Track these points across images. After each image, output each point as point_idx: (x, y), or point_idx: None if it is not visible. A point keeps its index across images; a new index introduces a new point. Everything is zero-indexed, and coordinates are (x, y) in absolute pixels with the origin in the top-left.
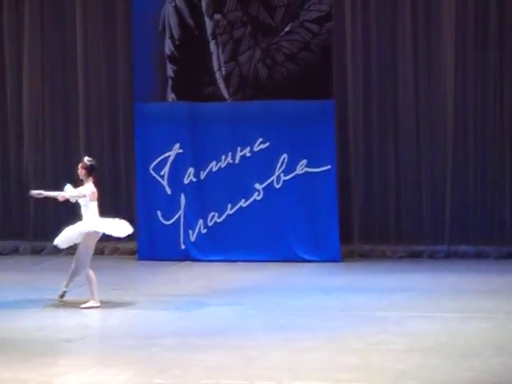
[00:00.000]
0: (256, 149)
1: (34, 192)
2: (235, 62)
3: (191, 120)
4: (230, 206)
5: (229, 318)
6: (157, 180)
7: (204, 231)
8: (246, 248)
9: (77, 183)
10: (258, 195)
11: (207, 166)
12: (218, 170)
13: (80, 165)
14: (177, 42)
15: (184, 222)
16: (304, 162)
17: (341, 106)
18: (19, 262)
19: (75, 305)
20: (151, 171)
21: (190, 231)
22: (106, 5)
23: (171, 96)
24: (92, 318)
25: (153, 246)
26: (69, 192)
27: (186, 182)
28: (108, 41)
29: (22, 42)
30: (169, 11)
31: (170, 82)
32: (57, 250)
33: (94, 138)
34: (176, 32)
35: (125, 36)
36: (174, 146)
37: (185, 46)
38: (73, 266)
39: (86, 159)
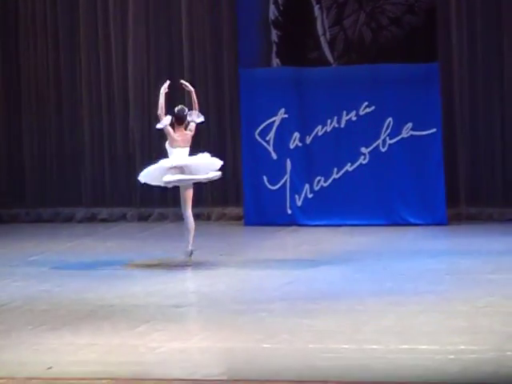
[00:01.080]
0: (361, 112)
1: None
2: (340, 26)
3: (296, 85)
4: (335, 170)
5: (336, 283)
6: (262, 145)
7: (310, 196)
8: (353, 212)
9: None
10: (364, 159)
11: (313, 131)
12: (323, 134)
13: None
14: (281, 7)
15: (290, 187)
16: (409, 125)
17: (446, 69)
18: (126, 229)
19: (181, 272)
20: (257, 136)
21: (297, 196)
22: None
23: (276, 61)
24: (200, 283)
25: (259, 211)
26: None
27: (291, 146)
28: (212, 6)
29: (127, 14)
30: None
31: (274, 48)
32: (163, 217)
33: (200, 105)
34: None
35: (229, 1)
36: (279, 111)
37: (289, 10)
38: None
39: (176, 109)
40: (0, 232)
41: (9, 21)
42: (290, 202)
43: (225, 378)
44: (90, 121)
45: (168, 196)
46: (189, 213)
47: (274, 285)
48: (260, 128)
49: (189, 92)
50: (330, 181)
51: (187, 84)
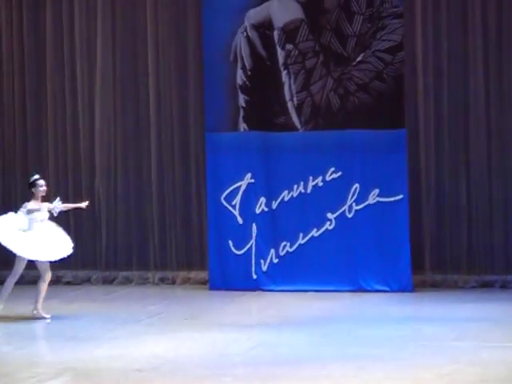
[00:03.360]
0: (328, 178)
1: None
2: (307, 91)
3: (263, 150)
4: (301, 235)
5: (300, 348)
6: (228, 209)
7: (276, 261)
8: (318, 278)
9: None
10: (330, 225)
11: (279, 196)
12: (289, 199)
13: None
14: (249, 72)
15: (256, 252)
16: (376, 191)
17: (412, 135)
18: (91, 292)
19: (146, 335)
20: (223, 201)
21: (262, 261)
22: (178, 35)
23: (243, 126)
24: (164, 347)
25: (224, 275)
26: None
27: (257, 211)
28: (179, 71)
29: (95, 66)
30: (241, 41)
31: (241, 112)
32: (128, 281)
33: (166, 168)
34: (248, 62)
35: (196, 66)
36: (245, 175)
37: (257, 76)
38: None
39: (36, 177)
40: None
41: None
42: (255, 267)
43: None
44: (56, 180)
45: (133, 260)
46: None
47: (238, 350)
48: (226, 192)
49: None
50: (295, 246)
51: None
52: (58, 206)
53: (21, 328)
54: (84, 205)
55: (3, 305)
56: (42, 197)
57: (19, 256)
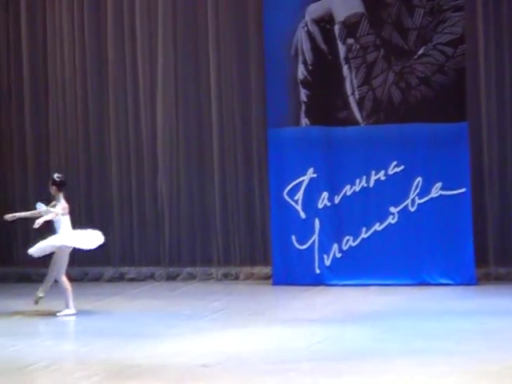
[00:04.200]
0: (390, 172)
1: (8, 216)
2: (368, 85)
3: (325, 144)
4: (364, 229)
5: (364, 342)
6: (291, 205)
7: (339, 255)
8: (381, 272)
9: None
10: (393, 218)
11: (341, 190)
12: (352, 193)
13: (51, 182)
14: (310, 67)
15: (319, 247)
16: (439, 184)
17: (475, 128)
18: (154, 288)
19: (210, 331)
20: (285, 196)
21: (325, 255)
22: (239, 31)
23: (305, 121)
24: (228, 343)
25: (288, 270)
26: (45, 216)
27: (320, 206)
28: (241, 66)
29: (156, 65)
30: (301, 36)
31: (303, 107)
32: (192, 277)
33: (228, 164)
34: (309, 57)
35: (258, 61)
36: (307, 170)
37: (318, 70)
38: (48, 273)
39: (56, 176)
40: (30, 291)
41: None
42: (318, 262)
43: None
44: (119, 179)
45: (196, 256)
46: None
47: (302, 345)
48: (289, 187)
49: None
50: (358, 240)
51: (14, 214)
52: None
53: (86, 326)
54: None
55: (43, 294)
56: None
57: (60, 247)
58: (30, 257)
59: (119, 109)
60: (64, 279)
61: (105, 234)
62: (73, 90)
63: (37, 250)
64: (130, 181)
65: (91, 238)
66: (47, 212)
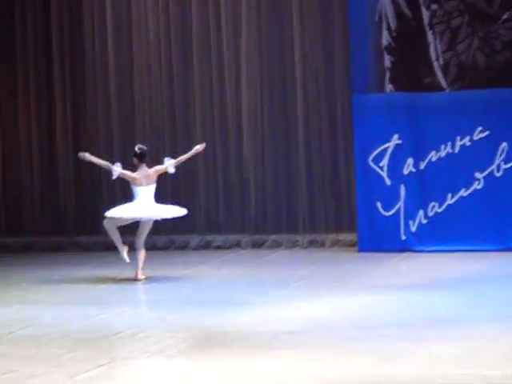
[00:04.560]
0: (476, 137)
1: (82, 154)
2: (453, 51)
3: (409, 110)
4: (450, 195)
5: (451, 308)
6: (376, 171)
7: (424, 221)
8: (467, 238)
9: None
10: (479, 184)
11: (427, 156)
12: (437, 159)
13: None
14: (394, 33)
15: (404, 213)
16: None
17: None
18: (240, 256)
19: (296, 298)
20: (370, 162)
21: (411, 222)
22: None
23: (389, 87)
24: (315, 309)
25: (373, 237)
26: (119, 170)
27: (405, 172)
28: (325, 33)
29: (240, 38)
30: (385, 2)
31: (387, 73)
32: (277, 244)
33: (313, 131)
34: (393, 23)
35: (342, 27)
36: (392, 136)
37: (402, 36)
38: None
39: (137, 147)
40: (116, 260)
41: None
42: (404, 228)
43: None
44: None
45: (282, 223)
46: (142, 245)
47: (389, 311)
48: (374, 154)
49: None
50: (444, 206)
51: (85, 154)
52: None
53: (173, 293)
54: (201, 147)
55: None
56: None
57: (141, 218)
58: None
59: (204, 74)
60: (141, 247)
61: (191, 202)
62: (157, 56)
63: (113, 214)
64: (214, 148)
65: (170, 210)
66: (119, 171)
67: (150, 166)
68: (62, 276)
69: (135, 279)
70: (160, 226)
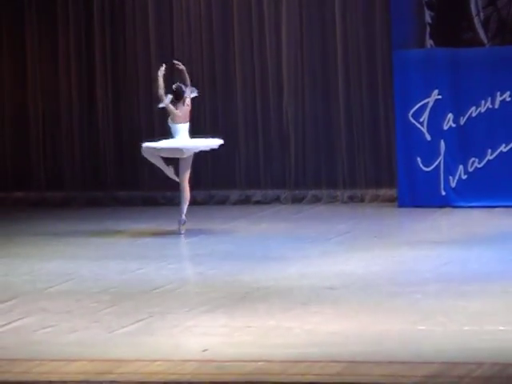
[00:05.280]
0: None
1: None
2: (493, 6)
3: (450, 66)
4: (490, 151)
5: (490, 264)
6: (416, 126)
7: (464, 177)
8: (507, 193)
9: None
10: None
11: (467, 112)
12: (477, 115)
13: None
14: None
15: (444, 169)
16: None
17: None
18: (280, 211)
19: (336, 254)
20: (410, 118)
21: (450, 177)
22: None
23: (429, 42)
24: (354, 265)
25: (413, 192)
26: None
27: (445, 127)
28: None
29: None
30: None
31: (428, 29)
32: (317, 199)
33: (353, 86)
34: None
35: None
36: (432, 92)
37: None
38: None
39: (174, 85)
40: (156, 214)
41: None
42: (443, 184)
43: (380, 359)
44: (244, 102)
45: (322, 178)
46: (186, 183)
47: (428, 267)
48: (414, 109)
49: (181, 70)
50: (484, 162)
51: (179, 63)
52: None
53: (212, 248)
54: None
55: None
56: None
57: (178, 148)
58: (156, 181)
59: (244, 31)
60: (185, 186)
61: (231, 156)
62: (197, 14)
63: (149, 149)
64: (254, 103)
65: (207, 142)
66: (167, 102)
67: None
68: (102, 231)
69: (179, 230)
70: (199, 179)
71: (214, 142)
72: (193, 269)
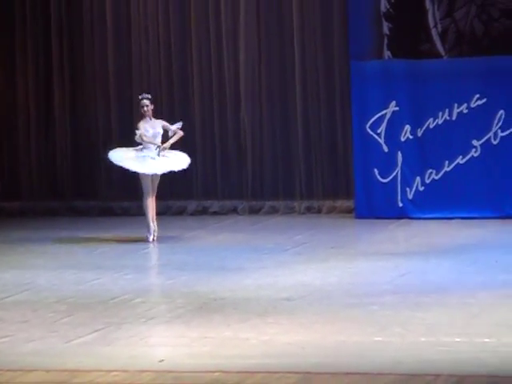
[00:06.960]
0: (473, 105)
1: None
2: (451, 18)
3: (407, 77)
4: (447, 162)
5: (448, 276)
6: (373, 138)
7: (421, 188)
8: (464, 205)
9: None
10: (476, 152)
11: (424, 123)
12: (434, 126)
13: (147, 103)
14: (392, 0)
15: (401, 180)
16: None
17: None
18: (237, 222)
19: (293, 265)
20: (368, 129)
21: (408, 189)
22: None
23: (387, 54)
24: (311, 276)
25: (370, 204)
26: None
27: (402, 139)
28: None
29: (239, 6)
30: None
31: (385, 40)
32: (274, 210)
33: (311, 97)
34: None
35: None
36: (390, 103)
37: (400, 3)
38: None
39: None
40: (113, 224)
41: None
42: (401, 195)
43: (337, 370)
44: (201, 113)
45: (279, 189)
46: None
47: (385, 278)
48: (371, 121)
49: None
50: (441, 173)
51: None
52: (173, 128)
53: (169, 259)
54: (179, 133)
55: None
56: (154, 116)
57: (141, 174)
58: (113, 191)
59: (202, 45)
60: (145, 203)
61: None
62: (155, 19)
63: (116, 157)
64: (212, 114)
65: (174, 162)
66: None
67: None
68: (58, 241)
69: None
70: (157, 190)
71: (182, 162)
72: (150, 279)
